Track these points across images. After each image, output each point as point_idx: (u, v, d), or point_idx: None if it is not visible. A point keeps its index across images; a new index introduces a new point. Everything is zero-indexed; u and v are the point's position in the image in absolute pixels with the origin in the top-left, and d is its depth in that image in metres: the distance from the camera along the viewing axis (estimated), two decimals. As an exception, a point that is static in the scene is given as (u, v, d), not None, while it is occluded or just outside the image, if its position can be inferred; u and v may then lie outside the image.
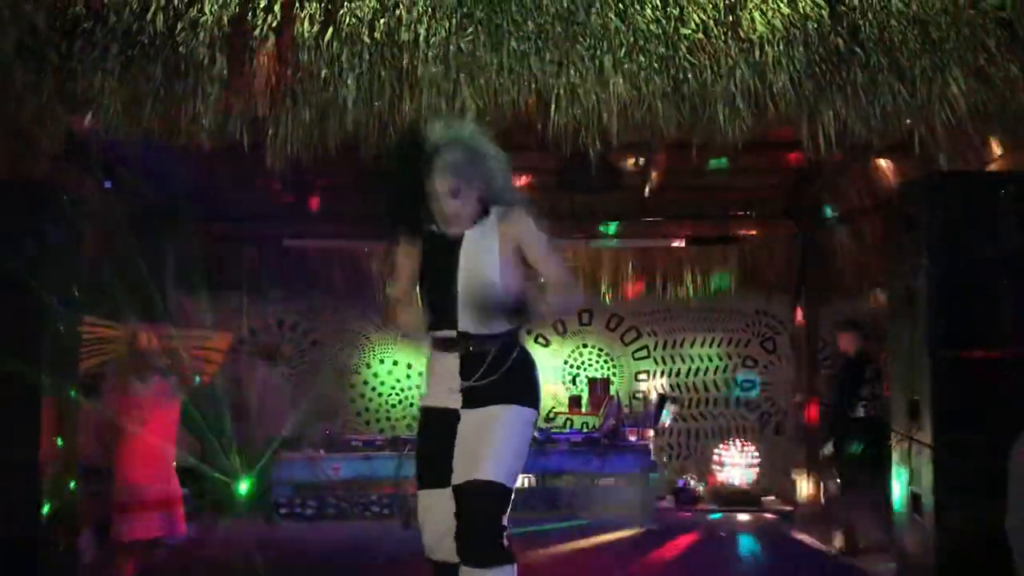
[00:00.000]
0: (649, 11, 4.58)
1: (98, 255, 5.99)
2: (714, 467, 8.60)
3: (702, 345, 9.44)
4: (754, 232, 8.69)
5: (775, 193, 8.19)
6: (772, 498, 8.52)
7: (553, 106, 4.63)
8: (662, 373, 9.42)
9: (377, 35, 4.60)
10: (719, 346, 9.42)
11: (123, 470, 5.99)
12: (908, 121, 4.68)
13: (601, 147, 4.81)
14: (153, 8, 4.54)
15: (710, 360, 9.44)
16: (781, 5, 4.61)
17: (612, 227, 8.40)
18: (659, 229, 8.64)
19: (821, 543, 6.77)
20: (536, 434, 8.03)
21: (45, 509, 4.62)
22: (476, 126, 3.32)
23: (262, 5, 4.61)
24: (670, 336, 9.47)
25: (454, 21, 4.58)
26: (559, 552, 6.48)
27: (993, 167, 5.43)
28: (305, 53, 4.59)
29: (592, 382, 9.24)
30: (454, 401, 3.21)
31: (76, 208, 5.10)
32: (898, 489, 5.29)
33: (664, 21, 4.58)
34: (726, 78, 4.59)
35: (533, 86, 4.62)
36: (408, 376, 9.31)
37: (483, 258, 3.21)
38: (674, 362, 9.46)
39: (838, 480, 6.95)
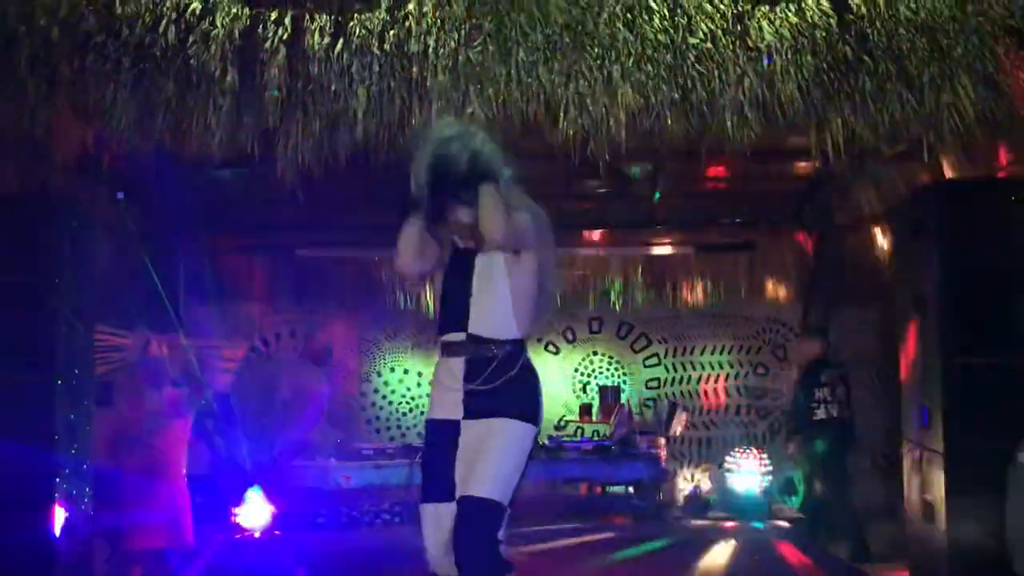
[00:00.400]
0: (657, 21, 4.60)
1: (111, 266, 6.04)
2: (725, 475, 8.58)
3: (712, 352, 9.43)
4: (764, 239, 8.68)
5: (785, 200, 8.18)
6: (784, 505, 8.49)
7: (562, 115, 4.66)
8: (672, 381, 9.41)
9: (387, 46, 4.63)
10: (729, 353, 9.41)
11: (134, 478, 6.04)
12: (917, 129, 4.67)
13: (609, 155, 4.83)
14: (165, 22, 4.57)
15: (720, 367, 9.43)
16: (789, 14, 4.62)
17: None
18: (669, 236, 8.65)
19: (834, 551, 6.74)
20: (546, 442, 8.13)
21: (59, 517, 4.66)
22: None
23: (273, 18, 4.65)
24: (680, 343, 9.46)
25: (463, 32, 4.60)
26: (567, 560, 6.47)
27: (1003, 174, 5.42)
28: (315, 65, 4.63)
29: (602, 390, 9.24)
30: (455, 411, 3.25)
31: (89, 220, 5.15)
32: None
33: (672, 31, 4.59)
34: (734, 87, 4.60)
35: (542, 96, 4.65)
36: (419, 384, 9.33)
37: (494, 264, 3.29)
38: (684, 369, 9.45)
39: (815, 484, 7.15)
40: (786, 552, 6.85)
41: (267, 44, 4.64)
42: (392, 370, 9.37)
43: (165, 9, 4.57)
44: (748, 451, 8.53)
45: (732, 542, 7.21)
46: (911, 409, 5.29)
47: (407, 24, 4.64)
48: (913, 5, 4.60)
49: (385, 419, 9.34)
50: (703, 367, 9.42)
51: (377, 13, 4.62)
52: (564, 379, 9.33)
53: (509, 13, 4.59)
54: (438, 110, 4.59)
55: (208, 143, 4.79)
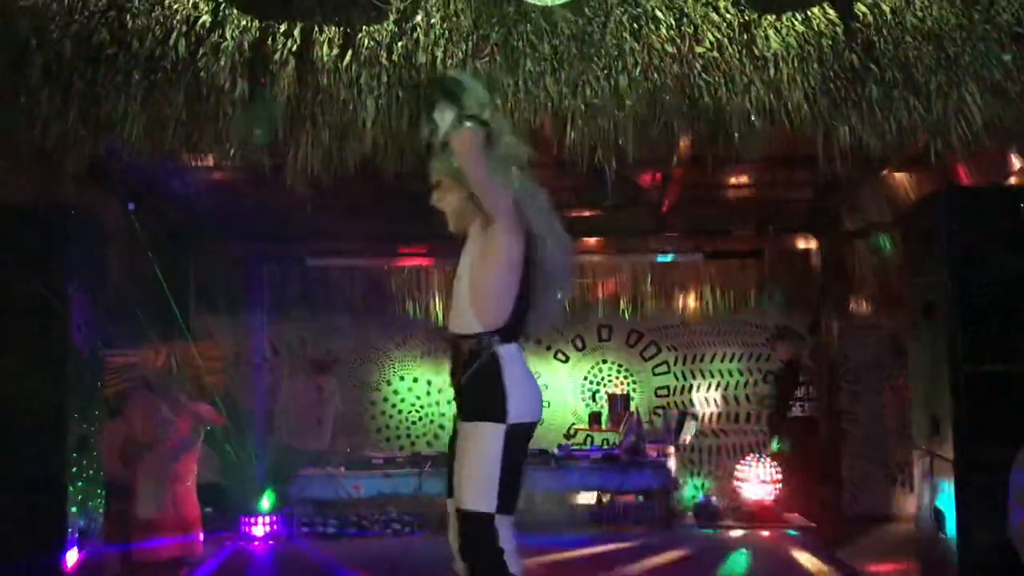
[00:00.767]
0: (663, 30, 4.61)
1: (122, 276, 6.08)
2: (736, 483, 8.56)
3: (722, 360, 9.42)
4: (773, 246, 8.67)
5: (795, 207, 8.17)
6: (795, 515, 8.46)
7: (569, 125, 4.67)
8: (682, 389, 9.40)
9: (395, 57, 4.66)
10: (739, 361, 9.39)
11: (145, 490, 6.06)
12: (924, 136, 4.67)
13: (617, 165, 4.84)
14: (175, 34, 4.61)
15: (731, 375, 9.41)
16: (795, 23, 4.63)
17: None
18: (678, 244, 8.65)
19: (845, 559, 6.73)
20: (556, 451, 8.13)
21: (70, 530, 4.67)
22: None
23: (282, 30, 4.68)
24: (690, 351, 9.45)
25: (471, 43, 4.63)
26: (578, 571, 6.46)
27: (1012, 180, 5.42)
28: (324, 76, 4.66)
29: (612, 398, 9.22)
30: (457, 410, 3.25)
31: (100, 230, 5.19)
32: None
33: (678, 40, 4.61)
34: (741, 96, 4.61)
35: (549, 106, 4.66)
36: (428, 393, 9.34)
37: (468, 251, 3.24)
38: (694, 377, 9.44)
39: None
40: (799, 560, 6.83)
41: (277, 56, 4.68)
42: (401, 378, 9.38)
43: (176, 22, 4.61)
44: (758, 459, 8.50)
45: (743, 550, 7.20)
46: (921, 417, 5.28)
47: (415, 35, 4.66)
48: (920, 13, 4.61)
49: (395, 428, 9.35)
50: (713, 375, 9.41)
51: (385, 25, 4.64)
52: (573, 387, 9.33)
53: (516, 24, 4.61)
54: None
55: (218, 154, 4.82)
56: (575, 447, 8.70)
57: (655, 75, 4.62)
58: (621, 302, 9.10)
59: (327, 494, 7.65)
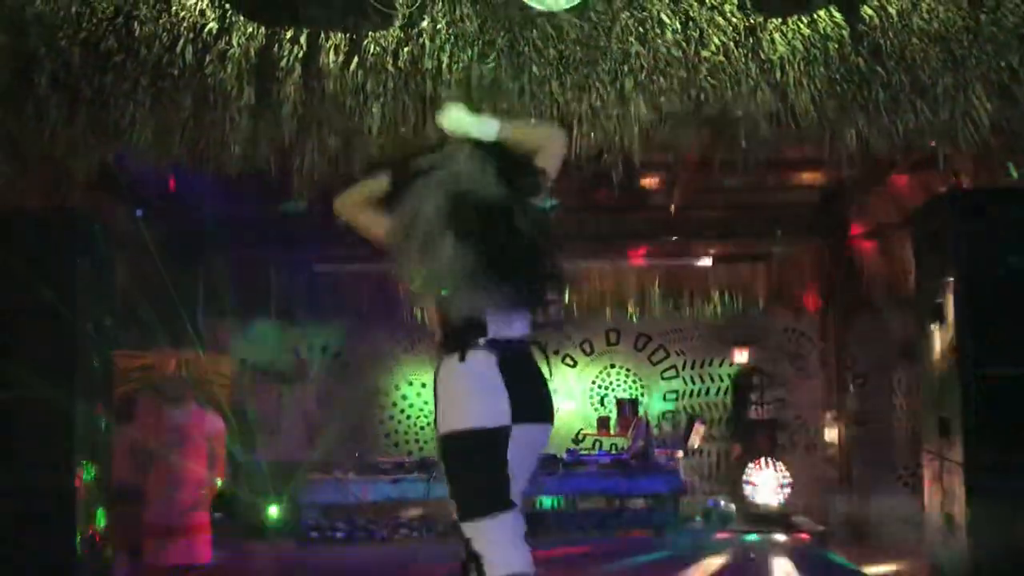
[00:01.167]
0: (669, 34, 4.61)
1: (130, 282, 6.10)
2: (745, 487, 8.53)
3: (730, 364, 9.38)
4: (781, 249, 8.66)
5: (802, 210, 8.16)
6: (805, 518, 8.43)
7: (576, 129, 4.68)
8: (690, 393, 9.38)
9: (401, 64, 4.67)
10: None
11: (154, 495, 6.08)
12: (931, 139, 4.67)
13: (623, 169, 4.85)
14: (182, 41, 4.63)
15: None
16: (801, 26, 4.62)
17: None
18: (686, 248, 8.64)
19: (855, 563, 6.70)
20: (564, 456, 8.11)
21: (79, 534, 4.69)
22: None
23: (288, 37, 4.70)
24: (698, 355, 9.43)
25: (476, 48, 4.64)
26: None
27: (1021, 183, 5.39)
28: (331, 82, 4.67)
29: (620, 403, 9.21)
30: None
31: (109, 236, 5.21)
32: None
33: (684, 44, 4.61)
34: (747, 99, 4.61)
35: (555, 110, 4.67)
36: (436, 398, 9.32)
37: None
38: (703, 381, 9.42)
39: None
40: (810, 564, 6.80)
41: (283, 63, 4.69)
42: (410, 383, 9.38)
43: (183, 29, 4.63)
44: (767, 463, 8.48)
45: (750, 554, 7.17)
46: (930, 419, 5.26)
47: (421, 41, 4.67)
48: (926, 15, 4.60)
49: (403, 433, 9.35)
50: (721, 379, 9.38)
51: (391, 31, 4.65)
52: (582, 392, 9.31)
53: (522, 29, 4.62)
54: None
55: (225, 160, 4.84)
56: (583, 452, 8.69)
57: (661, 79, 4.62)
58: (629, 306, 9.08)
59: (335, 499, 7.65)
